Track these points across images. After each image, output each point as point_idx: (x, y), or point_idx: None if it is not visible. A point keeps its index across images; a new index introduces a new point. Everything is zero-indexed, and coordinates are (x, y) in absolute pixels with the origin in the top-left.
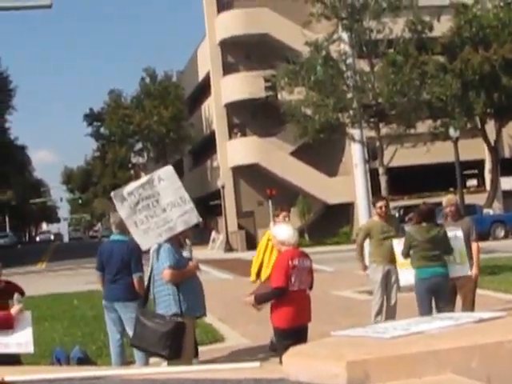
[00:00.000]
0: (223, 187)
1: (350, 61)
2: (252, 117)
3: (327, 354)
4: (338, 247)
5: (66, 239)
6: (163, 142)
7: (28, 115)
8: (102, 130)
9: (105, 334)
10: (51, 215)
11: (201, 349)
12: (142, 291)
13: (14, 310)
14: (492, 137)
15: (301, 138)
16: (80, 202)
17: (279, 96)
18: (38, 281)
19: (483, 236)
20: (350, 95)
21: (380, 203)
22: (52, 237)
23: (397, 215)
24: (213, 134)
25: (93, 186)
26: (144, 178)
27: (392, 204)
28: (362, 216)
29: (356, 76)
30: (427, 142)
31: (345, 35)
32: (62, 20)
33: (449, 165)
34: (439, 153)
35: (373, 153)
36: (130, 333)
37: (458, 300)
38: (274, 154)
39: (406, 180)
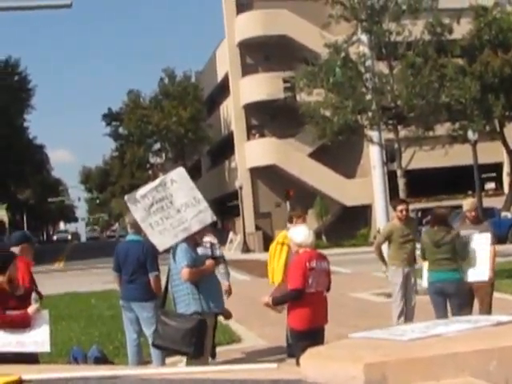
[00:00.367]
0: (241, 188)
1: (369, 63)
2: (270, 118)
3: (345, 355)
4: (355, 249)
5: (83, 239)
6: (181, 143)
7: (47, 114)
8: (120, 130)
9: (122, 333)
10: (69, 215)
11: (218, 349)
12: (158, 290)
13: (30, 309)
14: (511, 140)
15: (319, 139)
16: (98, 201)
17: (298, 97)
18: (56, 280)
19: (501, 239)
20: (368, 97)
21: (401, 206)
22: (69, 236)
23: (414, 217)
24: (231, 134)
25: (111, 186)
26: (156, 181)
27: (410, 206)
28: (380, 218)
29: (375, 78)
30: (446, 144)
31: (364, 37)
32: (81, 20)
33: (467, 168)
34: (457, 155)
35: (391, 155)
36: (147, 332)
37: (476, 303)
38: (292, 156)
39: (423, 183)
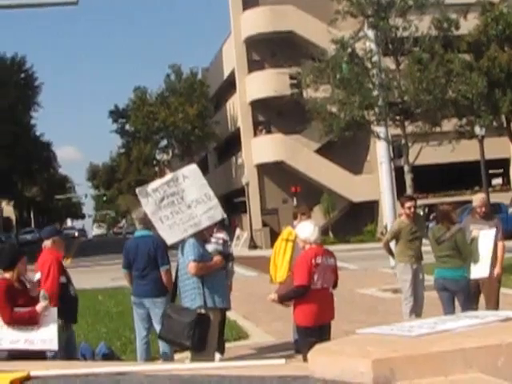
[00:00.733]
0: (248, 185)
1: (375, 58)
2: (277, 114)
3: (353, 351)
4: (362, 245)
5: (90, 235)
6: (188, 139)
7: (53, 112)
8: (127, 126)
9: (129, 330)
10: (76, 212)
11: (226, 345)
12: (170, 284)
13: (39, 306)
14: None
15: (326, 135)
16: (104, 198)
17: (304, 93)
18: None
19: (509, 235)
20: (375, 93)
21: (409, 203)
22: (76, 233)
23: (421, 214)
24: (238, 131)
25: (117, 183)
26: (169, 176)
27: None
28: (387, 214)
29: (382, 74)
30: (452, 140)
31: (370, 33)
32: (87, 17)
33: (474, 163)
34: (464, 151)
35: (398, 151)
36: (157, 328)
37: (482, 299)
38: (299, 152)
39: (431, 178)
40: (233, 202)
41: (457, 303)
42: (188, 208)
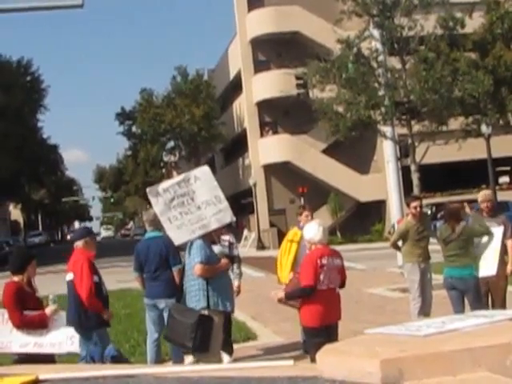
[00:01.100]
0: (255, 185)
1: (381, 58)
2: (283, 115)
3: (361, 351)
4: (369, 245)
5: (98, 238)
6: (195, 141)
7: (60, 114)
8: (133, 128)
9: (138, 332)
10: (83, 214)
11: (234, 347)
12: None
13: (48, 310)
14: None
15: (332, 135)
16: (112, 200)
17: (311, 94)
18: None
19: None
20: (381, 92)
21: (415, 203)
22: None
23: (429, 213)
24: (244, 132)
25: (125, 185)
26: (180, 176)
27: (424, 201)
28: (394, 213)
29: (387, 73)
30: (459, 138)
31: (376, 32)
32: (93, 19)
33: (481, 162)
34: (471, 150)
35: (405, 150)
36: None
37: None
38: (306, 152)
39: (437, 177)
40: (240, 203)
41: (467, 302)
42: (198, 209)
